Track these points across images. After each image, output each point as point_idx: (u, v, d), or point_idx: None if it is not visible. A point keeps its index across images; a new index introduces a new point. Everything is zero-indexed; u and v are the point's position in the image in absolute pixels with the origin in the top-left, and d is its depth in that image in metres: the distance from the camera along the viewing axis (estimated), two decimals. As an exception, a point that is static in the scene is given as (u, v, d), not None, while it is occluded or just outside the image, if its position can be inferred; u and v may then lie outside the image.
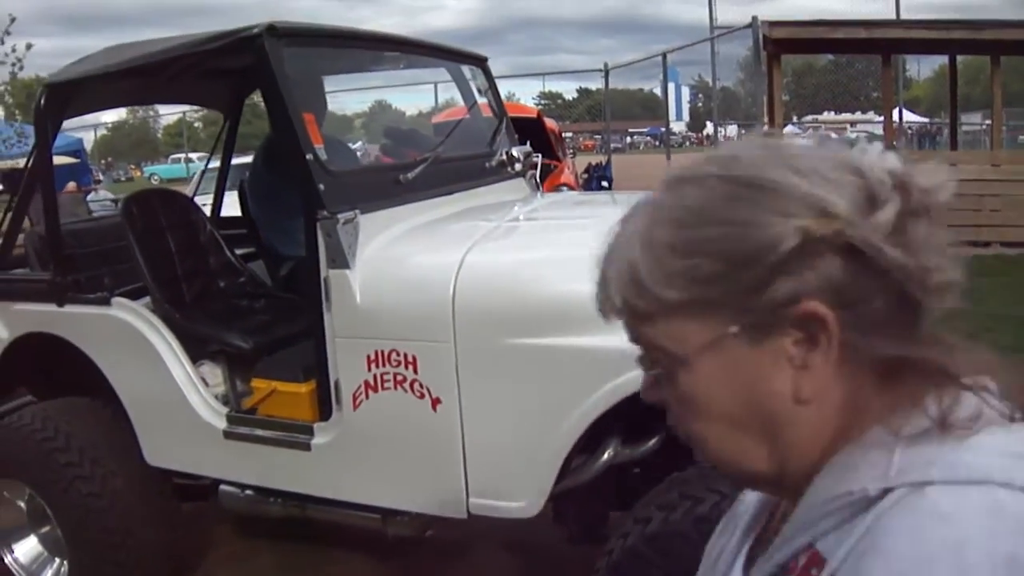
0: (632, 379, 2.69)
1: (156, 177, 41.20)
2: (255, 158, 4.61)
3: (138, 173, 50.51)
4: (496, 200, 4.16)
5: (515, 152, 4.43)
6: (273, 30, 3.31)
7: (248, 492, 3.88)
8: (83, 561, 3.95)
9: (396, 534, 3.55)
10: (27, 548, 4.31)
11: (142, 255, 4.16)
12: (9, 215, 4.57)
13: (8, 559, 4.29)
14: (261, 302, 4.42)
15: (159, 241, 4.36)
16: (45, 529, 4.24)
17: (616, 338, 2.71)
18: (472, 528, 4.53)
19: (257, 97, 5.29)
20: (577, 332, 2.80)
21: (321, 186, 3.20)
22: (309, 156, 3.23)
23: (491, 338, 2.94)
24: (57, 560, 4.23)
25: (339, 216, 3.17)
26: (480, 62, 4.79)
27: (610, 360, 2.73)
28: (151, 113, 43.53)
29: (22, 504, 4.24)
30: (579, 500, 3.33)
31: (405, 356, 3.07)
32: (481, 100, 4.75)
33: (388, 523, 3.50)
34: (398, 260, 3.24)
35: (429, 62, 4.56)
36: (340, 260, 3.16)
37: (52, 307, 4.05)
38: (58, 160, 4.57)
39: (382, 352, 3.11)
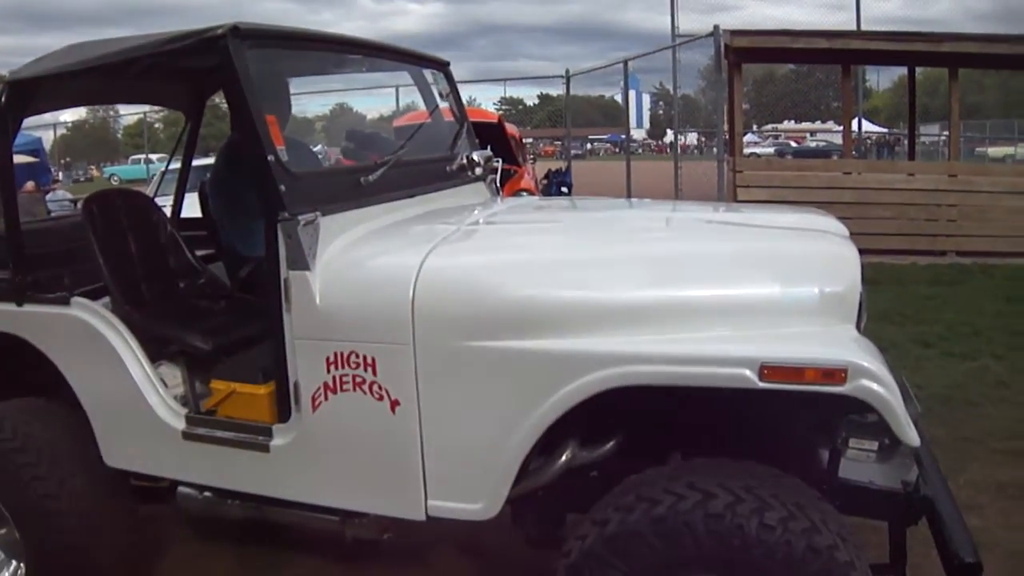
0: (589, 382, 2.73)
1: (116, 178, 40.83)
2: (217, 159, 4.60)
3: (97, 173, 50.01)
4: (456, 204, 4.19)
5: (475, 156, 4.46)
6: (237, 31, 3.31)
7: (206, 494, 3.86)
8: (40, 563, 3.91)
9: (355, 536, 3.56)
10: (-17, 550, 4.26)
11: (102, 255, 4.13)
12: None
13: (-37, 561, 4.25)
14: (221, 303, 4.41)
15: (119, 241, 4.34)
16: (1, 531, 4.20)
17: (574, 341, 2.78)
18: (431, 531, 4.56)
19: (219, 99, 5.28)
20: (536, 335, 2.84)
21: (282, 187, 3.20)
22: (271, 157, 3.22)
23: (450, 341, 2.95)
24: (14, 563, 4.17)
25: (299, 218, 3.17)
26: (442, 66, 4.81)
27: (568, 363, 2.77)
28: (111, 113, 43.25)
29: (-23, 506, 4.20)
30: (537, 503, 3.37)
31: (364, 358, 3.07)
32: (443, 104, 4.77)
33: (347, 525, 3.51)
34: (358, 262, 3.23)
35: (392, 65, 4.56)
36: (300, 261, 3.16)
37: (11, 306, 4.01)
38: (17, 159, 4.52)
39: (341, 354, 3.11)
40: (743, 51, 12.71)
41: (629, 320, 2.80)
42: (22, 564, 4.05)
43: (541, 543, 3.62)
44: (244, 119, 3.29)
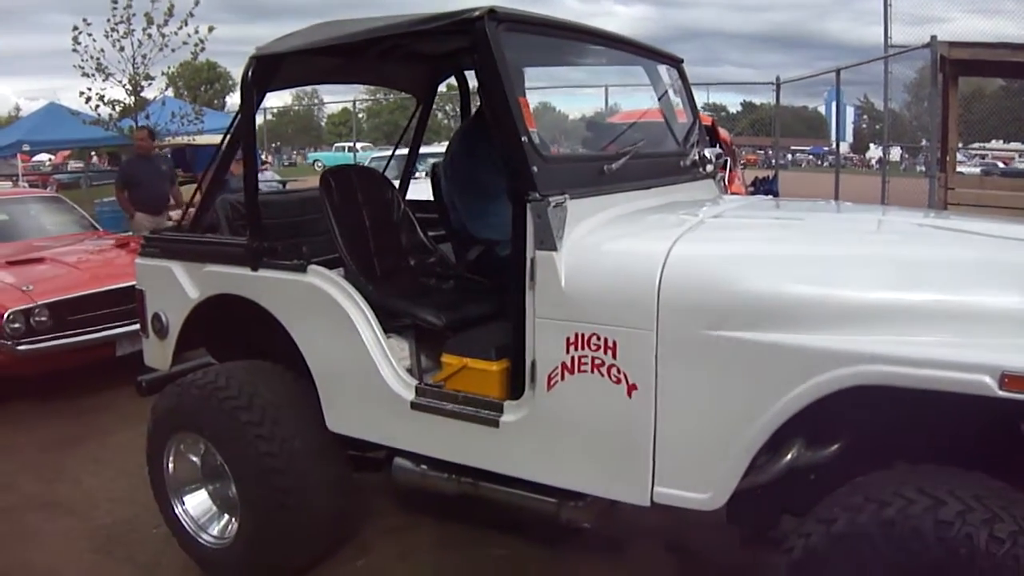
0: (829, 379, 2.69)
1: (319, 163, 42.00)
2: (451, 142, 4.68)
3: (301, 159, 51.60)
4: (690, 198, 4.18)
5: (707, 153, 4.45)
6: (493, 13, 3.38)
7: (423, 466, 3.96)
8: (253, 519, 4.08)
9: (569, 519, 3.59)
10: (197, 501, 4.49)
11: (338, 227, 4.28)
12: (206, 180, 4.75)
13: (179, 510, 4.47)
14: (450, 282, 4.50)
15: (354, 215, 4.49)
16: (216, 485, 4.41)
17: (819, 337, 2.73)
18: (631, 524, 4.59)
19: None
20: (778, 329, 2.81)
21: (535, 168, 3.25)
22: (524, 139, 3.28)
23: (693, 329, 2.94)
24: (226, 516, 4.38)
25: (550, 199, 3.22)
26: (676, 62, 4.81)
27: (812, 359, 2.74)
28: (316, 101, 44.60)
29: (196, 459, 4.43)
30: (755, 500, 3.32)
31: (605, 341, 3.09)
32: (675, 100, 4.76)
33: (562, 508, 3.54)
34: (604, 246, 3.26)
35: (627, 59, 4.57)
36: (548, 242, 3.21)
37: (246, 271, 4.19)
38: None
39: (582, 335, 3.14)
40: (961, 63, 12.23)
41: (870, 320, 2.75)
42: (234, 519, 4.25)
43: (755, 541, 3.59)
44: (498, 101, 3.35)
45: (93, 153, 33.86)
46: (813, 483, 3.25)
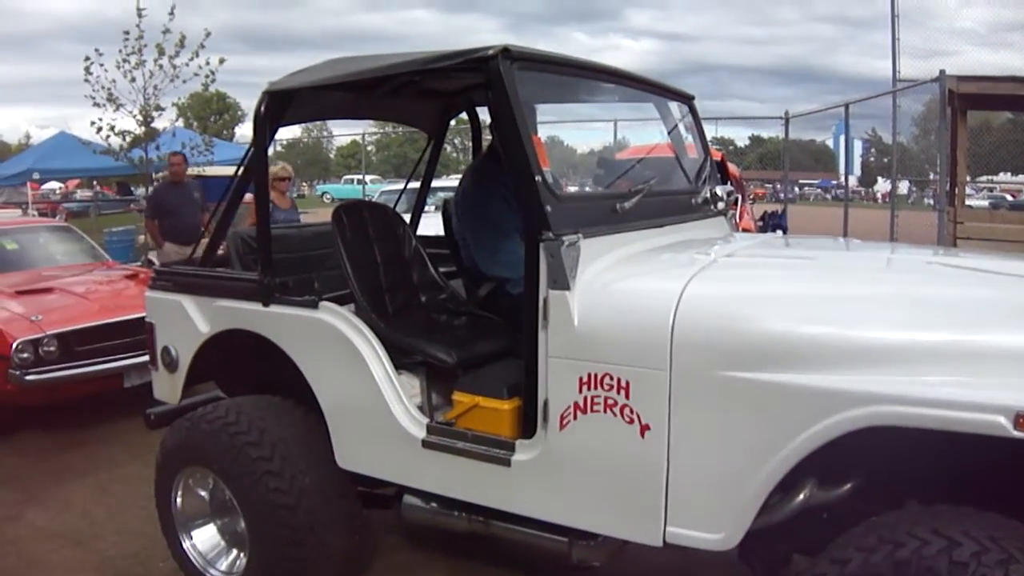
0: (843, 420, 2.68)
1: (328, 195, 42.07)
2: (464, 178, 4.69)
3: (309, 190, 51.69)
4: (702, 236, 4.18)
5: (719, 191, 4.45)
6: (508, 52, 3.40)
7: (433, 504, 3.95)
8: (262, 554, 4.06)
9: (580, 559, 3.57)
10: (206, 536, 4.49)
11: (349, 262, 4.28)
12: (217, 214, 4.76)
13: (187, 544, 4.47)
14: (461, 319, 4.50)
15: (366, 251, 4.49)
16: (225, 520, 4.41)
17: (833, 377, 2.73)
18: (644, 561, 4.56)
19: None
20: (793, 369, 2.81)
21: (548, 208, 3.26)
22: (538, 178, 3.29)
23: (706, 369, 2.94)
24: (234, 551, 4.38)
25: (563, 238, 3.22)
26: (687, 99, 4.82)
27: (826, 399, 2.73)
28: (324, 134, 44.73)
29: (205, 494, 4.42)
30: (768, 540, 3.32)
31: (618, 380, 3.09)
32: (686, 137, 4.77)
33: (573, 547, 3.52)
34: (618, 285, 3.26)
35: (638, 96, 4.59)
36: (561, 281, 3.21)
37: (257, 306, 4.19)
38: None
39: (595, 375, 3.14)
40: (969, 97, 12.25)
41: (883, 360, 2.74)
42: (243, 555, 4.24)
43: (766, 581, 3.57)
44: (511, 139, 3.36)
45: (96, 183, 33.90)
46: (826, 523, 3.24)
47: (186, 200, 10.97)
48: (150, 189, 14.60)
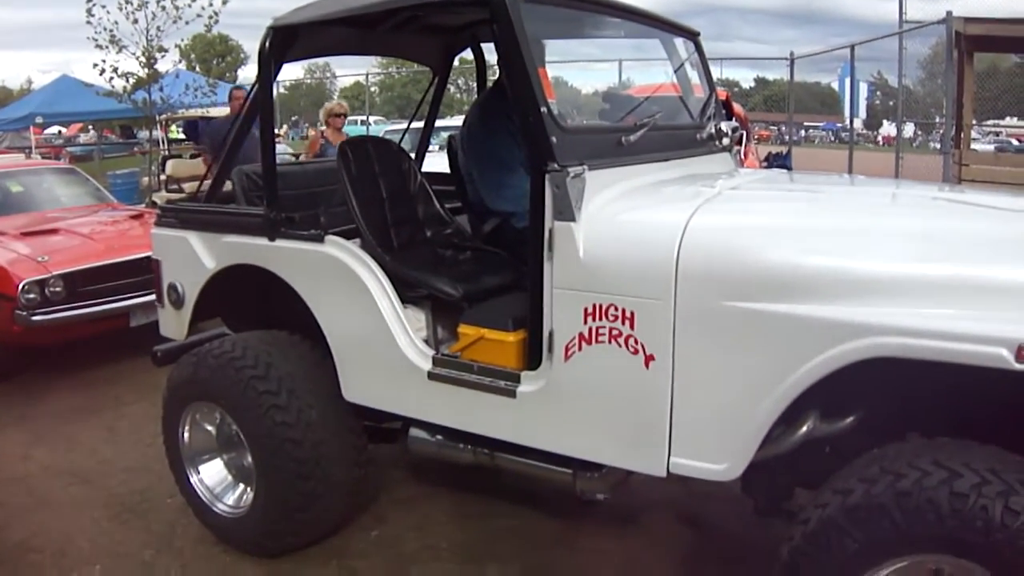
0: (846, 351, 2.69)
1: (331, 135, 41.65)
2: (469, 114, 4.68)
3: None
4: (707, 170, 4.17)
5: (724, 127, 4.44)
6: None
7: (438, 437, 4.00)
8: (269, 488, 4.10)
9: (584, 490, 3.62)
10: (213, 471, 4.53)
11: (355, 198, 4.28)
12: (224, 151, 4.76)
13: (194, 479, 4.52)
14: (466, 254, 4.50)
15: (371, 186, 4.49)
16: (232, 455, 4.46)
17: (836, 308, 2.74)
18: (647, 495, 4.62)
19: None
20: (797, 300, 2.81)
21: (553, 139, 3.25)
22: (544, 109, 3.27)
23: (711, 299, 2.94)
24: (241, 486, 4.42)
25: (569, 169, 3.22)
26: (693, 36, 4.79)
27: (829, 330, 2.74)
28: (328, 75, 44.45)
29: (212, 429, 4.47)
30: (770, 472, 3.36)
31: (623, 311, 3.10)
32: (692, 73, 4.75)
33: (578, 478, 3.58)
34: (622, 217, 3.25)
35: (644, 31, 4.55)
36: (567, 212, 3.21)
37: (263, 241, 4.20)
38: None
39: (600, 306, 3.15)
40: (976, 39, 12.16)
41: (886, 292, 2.74)
42: (249, 489, 4.29)
43: (769, 513, 3.60)
44: (517, 71, 3.34)
45: (91, 128, 33.70)
46: (829, 456, 3.27)
47: (250, 137, 9.99)
48: (204, 125, 14.30)
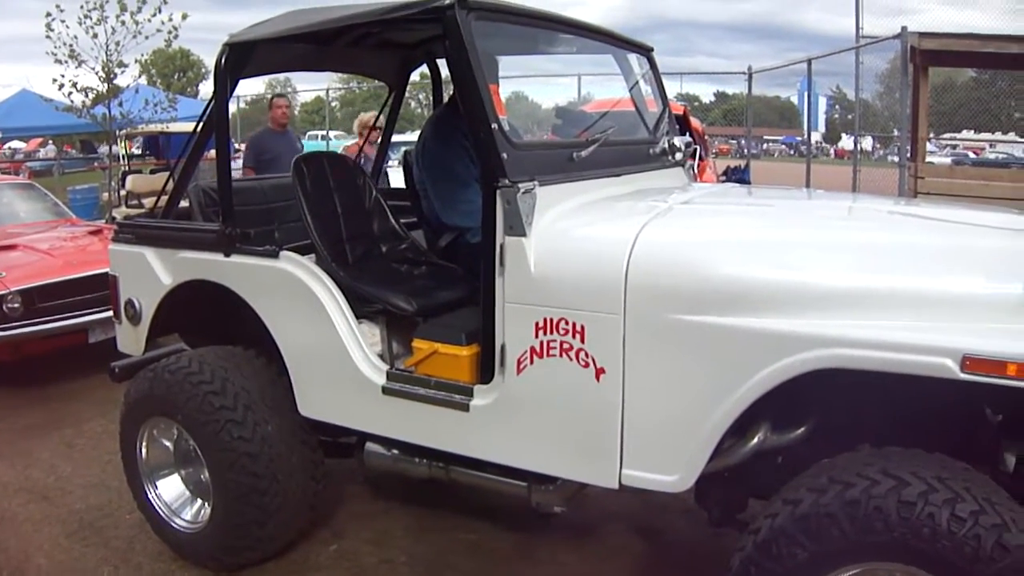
0: (794, 362, 2.74)
1: (291, 150, 41.51)
2: (424, 130, 4.70)
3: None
4: (660, 185, 4.22)
5: (677, 142, 4.49)
6: (464, 2, 3.39)
7: (394, 451, 4.02)
8: (226, 503, 4.10)
9: (539, 503, 3.64)
10: (170, 486, 4.53)
11: (310, 213, 4.29)
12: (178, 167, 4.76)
13: (152, 495, 4.51)
14: (421, 268, 4.52)
15: (326, 201, 4.50)
16: (189, 470, 4.45)
17: (784, 321, 2.79)
18: (601, 509, 4.65)
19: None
20: (745, 313, 2.86)
21: (504, 155, 3.28)
22: (494, 126, 3.31)
23: (660, 313, 2.98)
24: (199, 501, 4.41)
25: (519, 185, 3.25)
26: (646, 51, 4.84)
27: (777, 342, 2.78)
28: (289, 90, 44.20)
29: (169, 444, 4.46)
30: (723, 483, 3.39)
31: (574, 325, 3.13)
32: (645, 89, 4.80)
33: (533, 491, 3.60)
34: (573, 232, 3.29)
35: (598, 47, 4.59)
36: (517, 227, 3.24)
37: (219, 256, 4.21)
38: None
39: (551, 320, 3.18)
40: (931, 54, 12.28)
41: (835, 304, 2.79)
42: (207, 504, 4.28)
43: (723, 524, 3.63)
44: (468, 88, 3.37)
45: (51, 142, 33.44)
46: (780, 466, 3.31)
47: (289, 148, 9.40)
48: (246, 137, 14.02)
